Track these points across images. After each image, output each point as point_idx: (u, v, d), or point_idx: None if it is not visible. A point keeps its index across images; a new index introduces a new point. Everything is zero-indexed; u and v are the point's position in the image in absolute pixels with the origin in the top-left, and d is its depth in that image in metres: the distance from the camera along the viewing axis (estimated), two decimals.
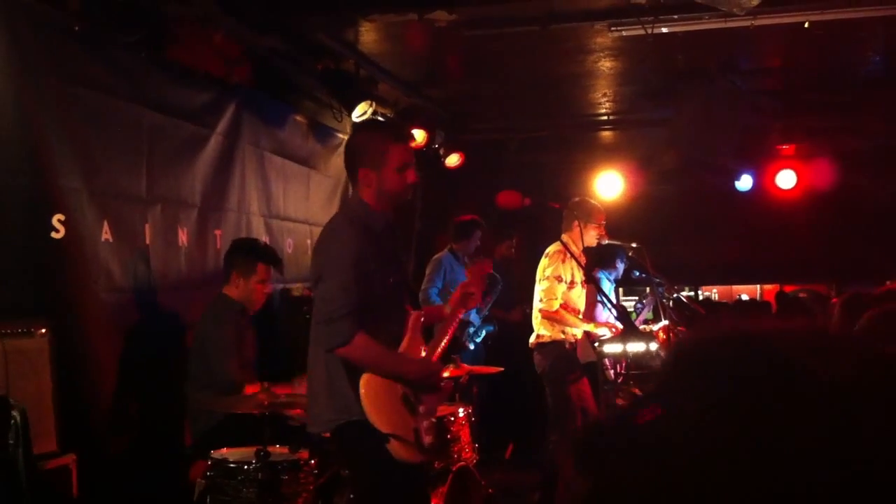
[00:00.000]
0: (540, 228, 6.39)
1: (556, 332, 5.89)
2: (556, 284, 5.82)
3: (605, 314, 7.16)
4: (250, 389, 4.59)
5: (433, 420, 3.56)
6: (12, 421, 3.41)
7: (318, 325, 3.41)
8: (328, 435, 3.57)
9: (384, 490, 3.42)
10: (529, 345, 6.03)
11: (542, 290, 5.86)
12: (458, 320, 3.80)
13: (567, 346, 5.94)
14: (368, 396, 3.33)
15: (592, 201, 6.29)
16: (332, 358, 3.39)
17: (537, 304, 5.92)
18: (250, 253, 4.86)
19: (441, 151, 8.34)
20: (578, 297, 5.99)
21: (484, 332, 7.52)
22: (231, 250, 4.95)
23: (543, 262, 5.97)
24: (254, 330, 5.03)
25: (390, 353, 3.47)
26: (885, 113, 8.76)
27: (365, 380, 3.34)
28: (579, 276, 5.91)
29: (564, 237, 5.51)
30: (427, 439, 3.47)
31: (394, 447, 3.33)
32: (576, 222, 5.75)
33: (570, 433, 5.90)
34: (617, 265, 8.11)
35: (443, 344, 3.71)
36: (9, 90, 4.00)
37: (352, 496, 4.01)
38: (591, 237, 5.97)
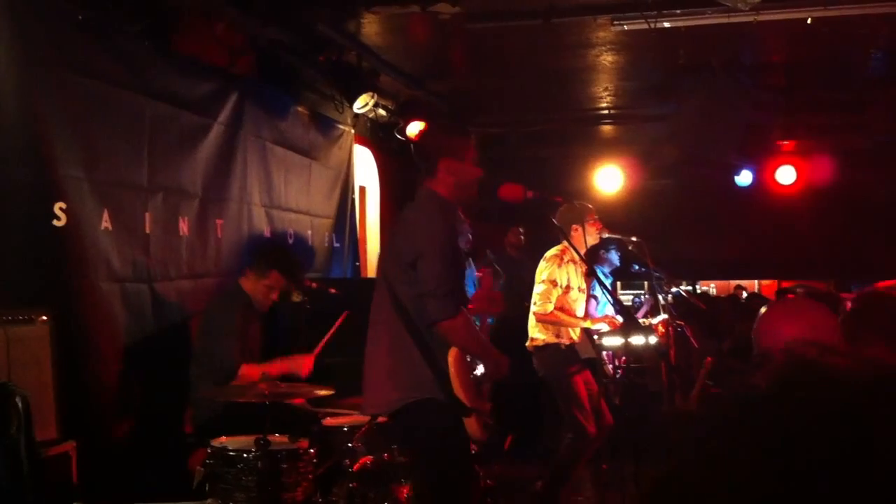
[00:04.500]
0: (543, 222, 6.35)
1: (550, 335, 5.85)
2: (551, 288, 5.77)
3: (605, 309, 7.15)
4: (248, 370, 4.60)
5: (491, 404, 3.70)
6: (14, 407, 3.42)
7: (417, 301, 3.43)
8: (388, 418, 3.64)
9: (452, 466, 3.50)
10: (526, 347, 6.00)
11: (538, 294, 5.83)
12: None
13: (562, 347, 5.89)
14: (457, 372, 3.43)
15: (578, 202, 6.17)
16: (399, 337, 3.47)
17: (532, 307, 5.90)
18: (270, 259, 4.98)
19: None
20: (575, 301, 5.91)
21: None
22: (258, 247, 5.13)
23: (541, 265, 5.92)
24: (261, 325, 5.06)
25: (480, 333, 3.62)
26: (887, 110, 8.77)
27: (454, 355, 3.43)
28: (577, 281, 5.87)
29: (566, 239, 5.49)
30: (490, 421, 3.60)
31: (470, 423, 3.44)
32: (575, 226, 5.73)
33: (586, 427, 5.75)
34: (606, 258, 8.09)
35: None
36: (12, 79, 4.00)
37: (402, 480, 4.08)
38: (593, 236, 5.94)
